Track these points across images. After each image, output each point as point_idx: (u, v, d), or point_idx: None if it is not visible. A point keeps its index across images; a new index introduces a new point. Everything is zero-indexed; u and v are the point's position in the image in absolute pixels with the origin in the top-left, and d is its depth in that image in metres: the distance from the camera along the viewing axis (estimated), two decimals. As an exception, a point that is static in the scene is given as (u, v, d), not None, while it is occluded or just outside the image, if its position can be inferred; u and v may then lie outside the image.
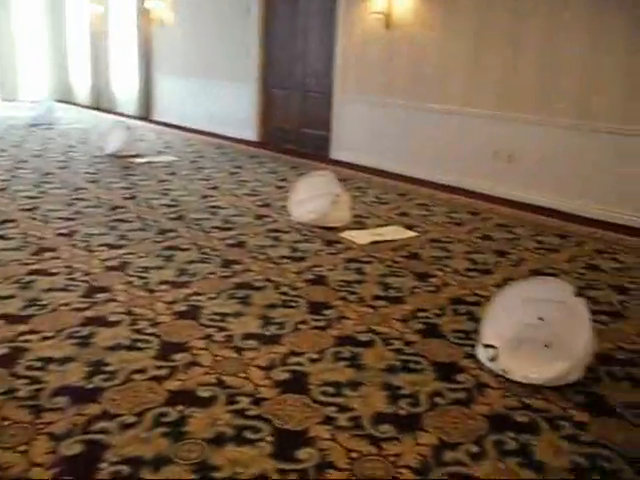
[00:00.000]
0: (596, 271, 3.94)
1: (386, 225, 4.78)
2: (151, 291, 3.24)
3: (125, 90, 11.75)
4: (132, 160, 6.91)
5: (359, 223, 4.78)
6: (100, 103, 12.43)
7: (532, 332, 2.57)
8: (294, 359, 2.58)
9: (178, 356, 2.56)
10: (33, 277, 3.37)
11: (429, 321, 3.04)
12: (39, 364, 2.46)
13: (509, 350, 2.56)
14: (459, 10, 6.14)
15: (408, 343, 2.78)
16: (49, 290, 3.19)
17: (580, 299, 2.54)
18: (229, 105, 9.28)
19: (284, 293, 3.30)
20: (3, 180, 5.69)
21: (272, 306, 3.12)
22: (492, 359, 2.56)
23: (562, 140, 5.46)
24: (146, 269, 3.55)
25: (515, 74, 5.75)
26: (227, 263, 3.72)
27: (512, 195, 5.81)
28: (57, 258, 3.68)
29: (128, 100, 11.62)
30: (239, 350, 2.63)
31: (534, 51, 5.58)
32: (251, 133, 8.95)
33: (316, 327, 2.90)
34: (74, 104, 13.01)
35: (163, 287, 3.30)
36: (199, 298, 3.17)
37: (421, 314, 3.12)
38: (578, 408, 2.31)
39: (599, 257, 4.23)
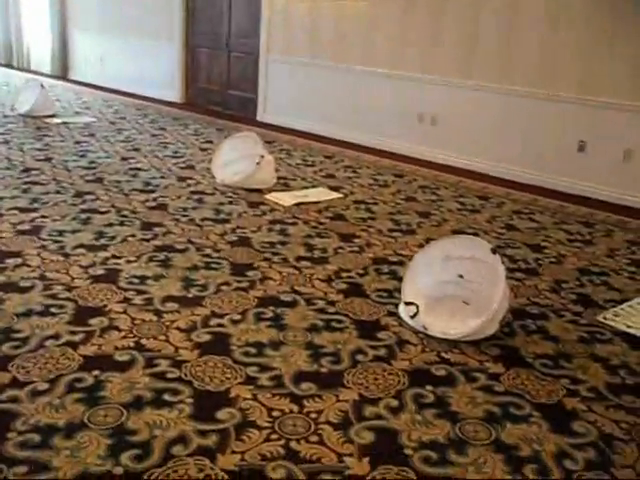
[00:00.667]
0: (513, 230, 4.07)
1: (312, 187, 4.76)
2: (66, 255, 3.10)
3: (39, 47, 11.09)
4: (47, 121, 6.56)
5: (284, 185, 4.74)
6: (12, 60, 11.70)
7: (451, 289, 2.64)
8: (215, 320, 2.54)
9: (94, 320, 2.47)
10: (-63, 243, 3.17)
11: (352, 281, 3.06)
12: None
13: (429, 307, 2.61)
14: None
15: (331, 302, 2.79)
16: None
17: (497, 256, 2.61)
18: (151, 65, 8.93)
19: (207, 255, 3.24)
20: None
21: (194, 268, 3.06)
22: (413, 316, 2.61)
23: (483, 103, 5.56)
24: (61, 233, 3.40)
25: (439, 37, 5.78)
26: (147, 226, 3.61)
27: (436, 157, 5.90)
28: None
29: (43, 58, 10.99)
30: (159, 313, 2.57)
31: (457, 14, 5.62)
32: (174, 94, 8.66)
33: (239, 288, 2.87)
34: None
35: (79, 251, 3.17)
36: (117, 262, 3.06)
37: (344, 274, 3.13)
38: (493, 361, 2.39)
39: (517, 217, 4.37)
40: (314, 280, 3.03)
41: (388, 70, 6.22)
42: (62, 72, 10.55)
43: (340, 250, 3.47)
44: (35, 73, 10.75)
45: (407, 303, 2.66)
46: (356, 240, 3.65)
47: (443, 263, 2.69)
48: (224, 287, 2.87)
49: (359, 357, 2.34)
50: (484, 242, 2.76)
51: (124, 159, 5.20)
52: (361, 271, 3.19)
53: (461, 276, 2.64)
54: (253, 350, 2.33)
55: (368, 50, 6.36)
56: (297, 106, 7.10)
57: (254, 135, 4.77)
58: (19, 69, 11.24)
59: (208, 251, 3.30)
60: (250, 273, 3.05)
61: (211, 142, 6.12)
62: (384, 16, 6.16)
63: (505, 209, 4.56)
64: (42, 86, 6.91)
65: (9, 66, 11.55)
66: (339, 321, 2.62)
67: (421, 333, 2.55)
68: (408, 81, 6.07)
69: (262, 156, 4.52)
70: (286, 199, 4.31)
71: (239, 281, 2.95)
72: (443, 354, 2.41)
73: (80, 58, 10.38)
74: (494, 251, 2.61)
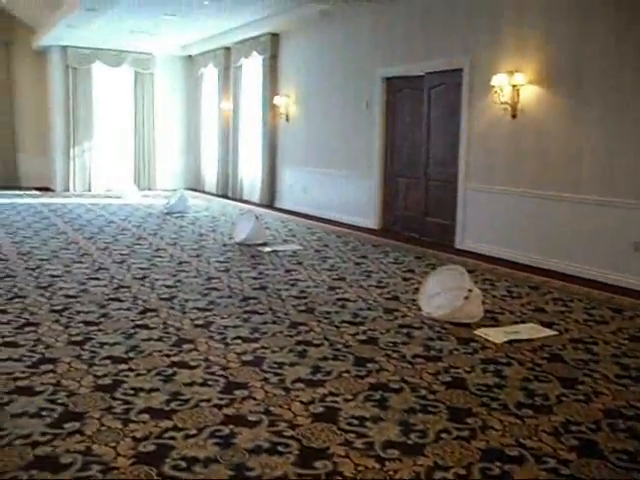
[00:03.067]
0: None
1: (521, 322, 4.55)
2: (287, 390, 3.22)
3: (250, 179, 12.39)
4: (260, 249, 7.16)
5: (492, 319, 4.59)
6: (227, 191, 13.14)
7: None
8: (440, 474, 2.43)
9: (319, 463, 2.49)
10: (174, 369, 3.48)
11: (584, 437, 2.79)
12: (184, 464, 2.48)
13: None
14: (586, 96, 6.00)
15: (563, 462, 2.55)
16: (190, 384, 3.27)
17: None
18: (350, 193, 9.50)
19: (422, 397, 3.17)
20: (143, 269, 6.06)
21: (411, 411, 3.00)
22: None
23: None
24: (280, 365, 3.57)
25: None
26: (360, 361, 3.66)
27: (658, 290, 5.39)
28: (195, 350, 3.79)
29: (253, 188, 12.22)
30: (381, 460, 2.52)
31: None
32: (372, 221, 9.05)
33: (459, 437, 2.74)
34: (203, 192, 13.86)
35: (298, 385, 3.28)
36: (335, 399, 3.11)
37: (573, 427, 2.87)
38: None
39: None
40: (540, 433, 2.81)
41: (597, 197, 5.96)
42: (269, 201, 11.60)
43: (563, 398, 3.21)
44: (246, 202, 11.94)
45: None
46: (580, 387, 3.37)
47: None
48: (444, 435, 2.76)
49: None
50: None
51: (331, 288, 5.44)
52: (592, 425, 2.90)
53: None
54: (485, 515, 2.18)
55: (572, 176, 6.17)
56: (497, 234, 7.02)
57: (460, 268, 4.74)
58: (233, 199, 12.56)
59: (423, 392, 3.23)
60: (469, 420, 2.92)
61: (412, 271, 6.21)
62: (587, 142, 6.00)
63: None
64: (256, 217, 7.61)
65: (225, 196, 12.98)
66: (577, 487, 2.38)
67: None
68: (620, 207, 5.74)
69: (470, 290, 4.45)
70: (497, 336, 4.16)
71: (459, 429, 2.82)
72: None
73: (285, 188, 11.37)
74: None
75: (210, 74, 14.01)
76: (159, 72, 14.52)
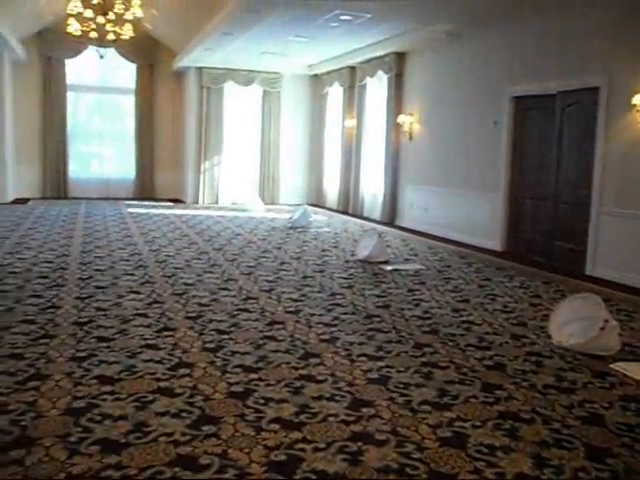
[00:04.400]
0: None
1: (664, 358, 4.24)
2: (414, 411, 3.21)
3: (371, 197, 12.48)
4: (381, 267, 7.18)
5: (631, 353, 4.32)
6: (348, 208, 13.32)
7: None
8: (579, 515, 2.32)
9: (448, 490, 2.46)
10: (302, 382, 3.57)
11: None
12: (314, 477, 2.54)
13: None
14: None
15: None
16: (318, 398, 3.34)
17: None
18: (473, 214, 9.31)
19: (556, 430, 3.04)
20: (269, 281, 6.27)
21: (544, 444, 2.88)
22: None
23: None
24: (406, 385, 3.56)
25: None
26: (488, 387, 3.58)
27: None
28: (322, 365, 3.87)
29: (374, 206, 12.30)
30: (514, 494, 2.45)
31: None
32: (496, 243, 8.81)
33: (599, 478, 2.60)
34: (324, 208, 14.13)
35: (425, 407, 3.26)
36: (464, 425, 3.06)
37: None
38: None
39: None
40: (690, 481, 2.60)
41: None
42: (390, 219, 11.61)
43: None
44: (366, 219, 12.04)
45: None
46: None
47: None
48: (581, 474, 2.63)
49: None
50: None
51: (455, 310, 5.35)
52: None
53: None
54: None
55: None
56: (635, 261, 6.59)
57: (595, 296, 4.51)
58: (353, 215, 12.70)
59: (556, 425, 3.10)
60: (609, 461, 2.76)
61: (539, 297, 5.98)
62: None
63: None
64: (379, 235, 7.66)
65: (345, 213, 13.15)
66: None
67: None
68: None
69: (606, 320, 4.22)
70: (637, 371, 3.90)
71: (599, 469, 2.68)
72: None
73: (406, 206, 11.34)
74: None
75: (335, 92, 14.31)
76: (286, 90, 15.05)
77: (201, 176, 14.54)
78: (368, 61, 12.27)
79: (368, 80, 12.57)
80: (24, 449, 2.69)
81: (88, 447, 2.72)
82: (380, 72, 11.95)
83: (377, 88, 12.45)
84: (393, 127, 11.58)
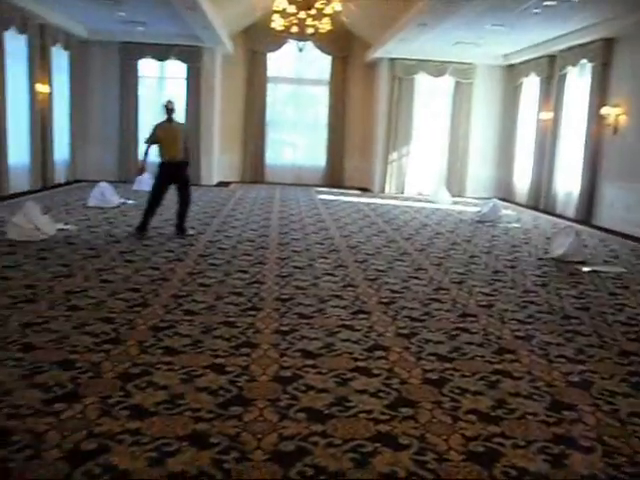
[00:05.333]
0: None
1: None
2: (622, 422, 3.02)
3: (566, 193, 11.77)
4: (578, 267, 6.77)
5: None
6: (538, 203, 12.70)
7: None
8: None
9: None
10: (498, 377, 3.51)
11: None
12: (514, 472, 2.51)
13: None
14: None
15: None
16: (515, 395, 3.27)
17: None
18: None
19: None
20: (460, 274, 6.21)
21: None
22: None
23: None
24: (613, 394, 3.35)
25: None
26: None
27: None
28: (518, 362, 3.77)
29: (568, 203, 11.60)
30: None
31: None
32: None
33: None
34: (513, 203, 13.60)
35: (635, 420, 3.05)
36: (681, 443, 2.82)
37: None
38: None
39: None
40: None
41: None
42: (585, 217, 10.87)
43: None
44: (559, 216, 11.39)
45: None
46: None
47: None
48: None
49: None
50: None
51: (668, 319, 4.91)
52: None
53: None
54: None
55: None
56: None
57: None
58: (544, 212, 12.08)
59: None
60: None
61: None
62: None
63: None
64: (576, 233, 7.22)
65: (535, 208, 12.55)
66: None
67: None
68: None
69: None
70: None
71: None
72: None
73: (605, 204, 10.53)
74: None
75: (530, 83, 13.66)
76: (478, 81, 14.68)
77: (389, 166, 14.74)
78: (570, 49, 11.54)
79: (569, 69, 11.83)
80: (241, 407, 2.97)
81: (296, 413, 2.94)
82: (584, 60, 11.18)
83: (579, 78, 11.67)
84: (595, 119, 10.79)
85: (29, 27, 10.88)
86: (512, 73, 14.43)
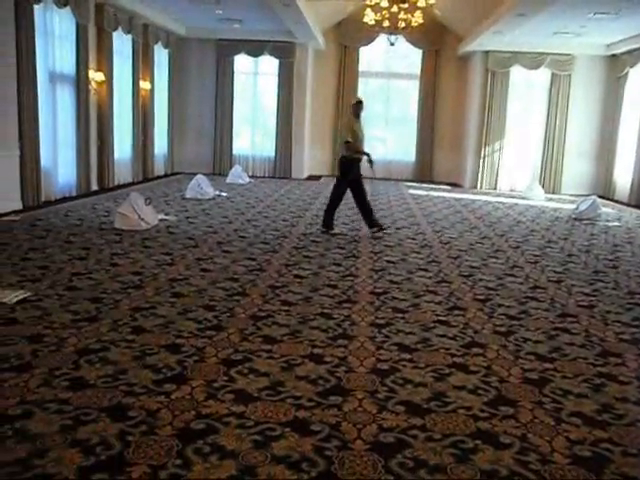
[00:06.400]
0: None
1: None
2: None
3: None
4: (688, 270, 6.40)
5: None
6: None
7: None
8: None
9: None
10: (602, 380, 3.39)
11: None
12: (623, 480, 2.43)
13: None
14: None
15: None
16: (622, 400, 3.15)
17: None
18: None
19: None
20: (557, 272, 6.01)
21: None
22: None
23: None
24: None
25: None
26: None
27: None
28: (624, 365, 3.63)
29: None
30: None
31: None
32: None
33: None
34: (613, 200, 12.96)
35: None
36: None
37: None
38: None
39: None
40: None
41: None
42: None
43: None
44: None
45: None
46: None
47: None
48: None
49: None
50: None
51: None
52: None
53: None
54: None
55: None
56: None
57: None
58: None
59: None
60: None
61: None
62: None
63: None
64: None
65: (638, 207, 11.88)
66: None
67: None
68: None
69: None
70: None
71: None
72: None
73: None
74: None
75: (636, 74, 12.95)
76: (577, 73, 14.08)
77: (481, 161, 14.41)
78: (682, 36, 10.86)
79: (681, 58, 11.15)
80: (340, 397, 3.03)
81: (395, 406, 2.96)
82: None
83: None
84: None
85: (134, 27, 11.43)
86: (615, 63, 13.73)
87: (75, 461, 2.38)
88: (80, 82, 9.71)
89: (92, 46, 10.10)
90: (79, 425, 2.64)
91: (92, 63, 10.11)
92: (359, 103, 7.63)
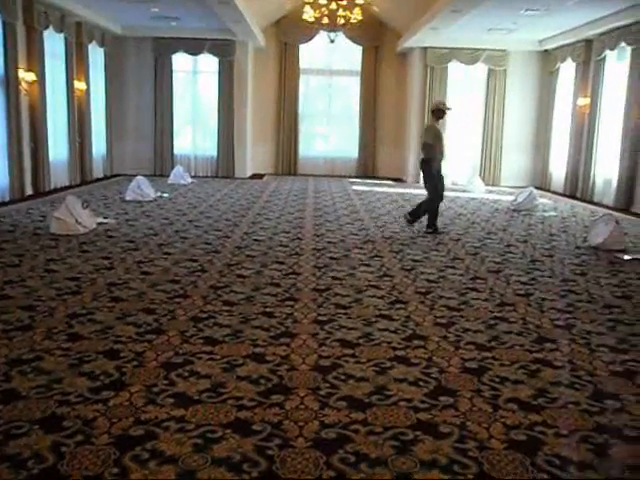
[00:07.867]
0: None
1: None
2: (671, 411, 2.98)
3: (604, 180, 11.54)
4: (618, 255, 6.66)
5: None
6: (575, 192, 12.48)
7: None
8: None
9: None
10: (538, 366, 3.49)
11: None
12: (557, 461, 2.50)
13: None
14: None
15: None
16: (556, 384, 3.25)
17: None
18: None
19: None
20: (496, 263, 6.17)
21: None
22: None
23: None
24: (658, 384, 3.31)
25: None
26: None
27: None
28: (558, 351, 3.74)
29: (606, 190, 11.37)
30: None
31: None
32: None
33: None
34: (549, 191, 13.38)
35: (678, 408, 3.01)
36: None
37: None
38: None
39: None
40: None
41: None
42: (625, 205, 10.64)
43: None
44: (596, 204, 11.18)
45: None
46: None
47: None
48: None
49: None
50: None
51: None
52: None
53: None
54: None
55: None
56: None
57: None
58: (582, 200, 11.86)
59: None
60: None
61: None
62: None
63: None
64: (617, 221, 7.09)
65: (572, 197, 12.33)
66: None
67: None
68: None
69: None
70: None
71: None
72: None
73: (646, 191, 10.31)
74: None
75: (566, 69, 13.40)
76: (512, 68, 14.46)
77: (422, 156, 14.61)
78: (608, 32, 11.27)
79: (607, 53, 11.57)
80: (282, 395, 3.02)
81: (336, 402, 2.97)
82: (623, 44, 10.91)
83: (617, 62, 11.40)
84: (635, 104, 10.54)
85: (66, 25, 11.09)
86: (547, 59, 14.17)
87: (3, 478, 2.29)
88: (9, 82, 9.37)
89: (21, 45, 9.74)
90: (9, 440, 2.54)
91: (22, 63, 9.76)
92: (444, 105, 8.03)
